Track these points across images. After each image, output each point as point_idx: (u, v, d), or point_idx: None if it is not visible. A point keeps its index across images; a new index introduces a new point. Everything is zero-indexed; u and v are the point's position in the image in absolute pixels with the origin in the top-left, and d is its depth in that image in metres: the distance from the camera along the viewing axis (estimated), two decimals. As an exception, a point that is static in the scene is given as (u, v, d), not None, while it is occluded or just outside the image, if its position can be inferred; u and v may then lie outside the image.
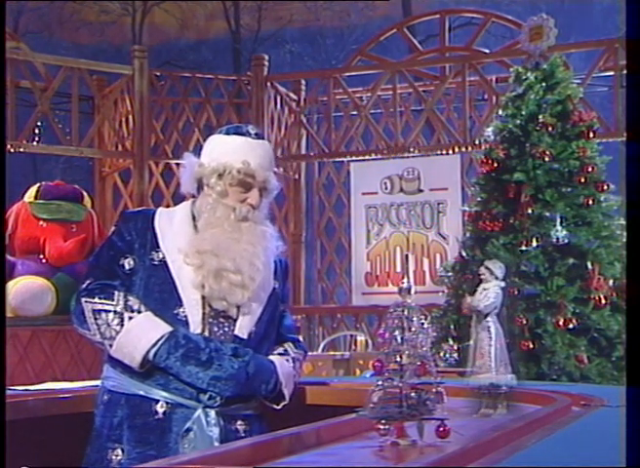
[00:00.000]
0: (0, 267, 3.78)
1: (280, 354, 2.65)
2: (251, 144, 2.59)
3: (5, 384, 2.55)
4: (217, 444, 2.44)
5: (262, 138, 2.67)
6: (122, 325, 2.44)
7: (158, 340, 2.43)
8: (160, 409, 2.46)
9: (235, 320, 2.53)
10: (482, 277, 2.21)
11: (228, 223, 2.53)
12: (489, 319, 2.16)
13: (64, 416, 2.81)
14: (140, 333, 2.44)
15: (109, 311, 2.45)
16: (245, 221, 2.54)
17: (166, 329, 2.45)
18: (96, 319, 2.46)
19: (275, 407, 2.59)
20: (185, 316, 2.48)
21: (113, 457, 2.47)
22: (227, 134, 2.64)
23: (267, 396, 2.57)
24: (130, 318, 2.45)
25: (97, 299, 2.47)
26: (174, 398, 2.46)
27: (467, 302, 2.20)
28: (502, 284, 2.20)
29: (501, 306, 2.18)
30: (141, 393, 2.48)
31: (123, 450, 2.46)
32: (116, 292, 2.48)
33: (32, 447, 2.77)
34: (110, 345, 2.46)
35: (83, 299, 2.49)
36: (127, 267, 2.53)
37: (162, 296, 2.49)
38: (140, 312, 2.47)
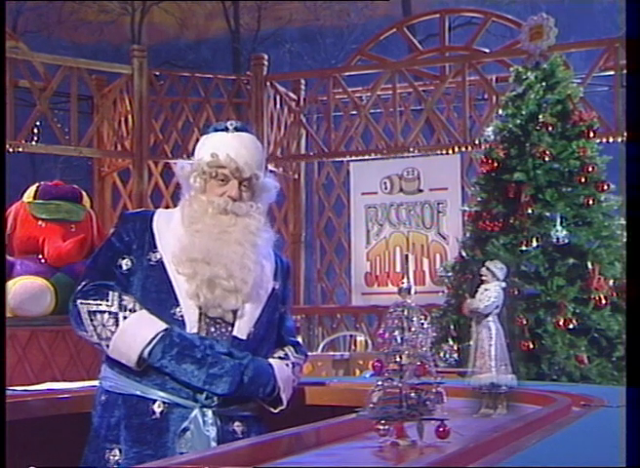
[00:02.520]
0: (0, 267, 3.78)
1: (280, 358, 2.64)
2: (224, 138, 2.59)
3: (5, 384, 2.54)
4: (214, 444, 2.43)
5: (244, 131, 2.64)
6: (117, 325, 2.43)
7: (152, 339, 2.42)
8: (157, 408, 2.46)
9: (233, 321, 2.52)
10: (483, 278, 2.20)
11: (209, 217, 2.52)
12: (489, 319, 2.16)
13: (63, 416, 2.81)
14: (134, 333, 2.43)
15: (104, 312, 2.45)
16: (225, 214, 2.52)
17: (160, 327, 2.44)
18: (92, 320, 2.45)
19: (272, 410, 2.58)
20: (182, 316, 2.48)
21: (111, 458, 2.46)
22: (207, 133, 2.66)
23: (265, 399, 2.56)
24: (124, 318, 2.44)
25: (91, 301, 2.47)
26: (171, 398, 2.46)
27: (467, 304, 2.19)
28: (503, 284, 2.19)
29: (502, 306, 2.17)
30: (139, 393, 2.48)
31: (120, 451, 2.46)
32: (111, 293, 2.47)
33: (32, 447, 2.77)
34: (107, 346, 2.45)
35: (78, 301, 2.49)
36: (124, 268, 2.52)
37: (159, 296, 2.49)
38: (135, 311, 2.45)
